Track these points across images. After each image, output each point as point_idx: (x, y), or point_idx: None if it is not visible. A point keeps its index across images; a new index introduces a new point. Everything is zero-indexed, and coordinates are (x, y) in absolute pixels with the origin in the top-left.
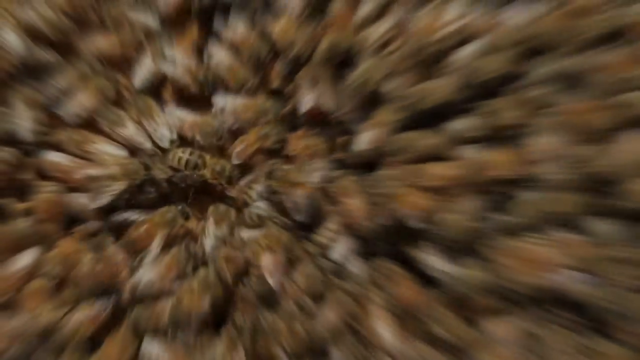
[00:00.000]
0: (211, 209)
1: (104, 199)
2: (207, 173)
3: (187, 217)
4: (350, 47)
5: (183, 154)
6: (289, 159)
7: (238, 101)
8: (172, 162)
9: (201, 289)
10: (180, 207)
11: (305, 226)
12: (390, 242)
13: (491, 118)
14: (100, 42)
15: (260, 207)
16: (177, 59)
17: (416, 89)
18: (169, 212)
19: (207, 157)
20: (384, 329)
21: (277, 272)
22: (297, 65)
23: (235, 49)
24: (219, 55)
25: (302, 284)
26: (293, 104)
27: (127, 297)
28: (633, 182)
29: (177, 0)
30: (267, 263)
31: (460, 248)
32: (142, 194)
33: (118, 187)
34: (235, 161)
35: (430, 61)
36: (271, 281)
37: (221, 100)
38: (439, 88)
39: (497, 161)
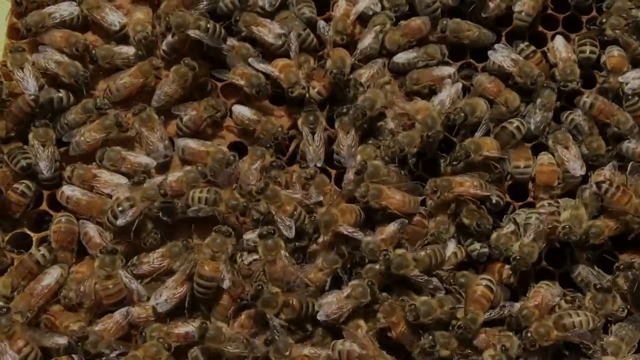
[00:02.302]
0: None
1: (127, 218)
2: (222, 208)
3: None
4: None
5: (201, 194)
6: None
7: None
8: (189, 202)
9: None
10: (184, 242)
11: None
12: None
13: None
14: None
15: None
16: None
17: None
18: (175, 246)
19: (221, 192)
20: None
21: None
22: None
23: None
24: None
25: None
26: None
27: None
28: None
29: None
30: None
31: None
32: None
33: (137, 209)
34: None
35: None
36: None
37: None
38: None
39: None
